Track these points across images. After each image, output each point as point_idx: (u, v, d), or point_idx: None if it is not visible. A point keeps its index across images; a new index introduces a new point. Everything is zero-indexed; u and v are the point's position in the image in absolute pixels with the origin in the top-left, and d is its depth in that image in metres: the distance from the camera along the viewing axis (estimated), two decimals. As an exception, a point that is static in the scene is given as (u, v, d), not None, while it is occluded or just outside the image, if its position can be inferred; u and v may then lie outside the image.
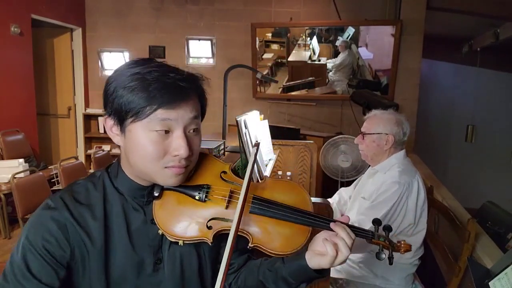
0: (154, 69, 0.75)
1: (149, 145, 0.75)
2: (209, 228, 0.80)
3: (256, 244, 0.81)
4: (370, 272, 1.76)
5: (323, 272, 0.82)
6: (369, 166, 1.93)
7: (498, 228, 2.29)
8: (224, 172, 0.87)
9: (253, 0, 4.81)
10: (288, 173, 2.26)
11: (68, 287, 0.79)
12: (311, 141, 2.30)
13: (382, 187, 1.69)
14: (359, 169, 2.87)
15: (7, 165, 3.44)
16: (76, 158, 3.63)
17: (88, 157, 5.02)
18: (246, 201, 0.79)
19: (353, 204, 1.94)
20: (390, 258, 0.82)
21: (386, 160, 1.80)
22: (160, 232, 0.81)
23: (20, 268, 0.74)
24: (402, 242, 0.84)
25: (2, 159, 3.69)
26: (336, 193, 2.15)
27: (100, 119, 5.07)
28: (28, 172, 3.38)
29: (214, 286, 0.91)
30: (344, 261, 0.78)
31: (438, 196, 2.46)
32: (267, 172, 1.86)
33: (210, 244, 0.81)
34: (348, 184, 2.30)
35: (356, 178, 2.12)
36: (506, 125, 5.85)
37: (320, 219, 0.82)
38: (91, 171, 4.33)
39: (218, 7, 4.88)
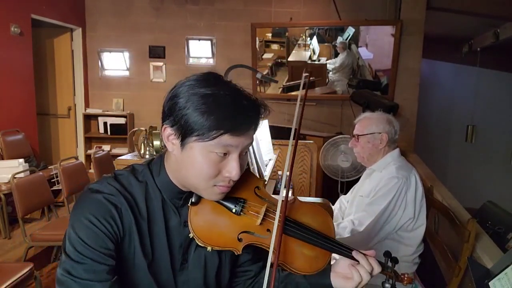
0: (227, 94, 0.76)
1: (206, 165, 0.78)
2: (240, 240, 0.85)
3: (281, 262, 0.85)
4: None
5: None
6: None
7: (498, 228, 2.30)
8: (258, 188, 0.92)
9: (253, 0, 4.81)
10: (288, 173, 2.25)
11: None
12: (311, 141, 2.29)
13: (380, 183, 1.72)
14: (359, 169, 2.86)
15: (7, 165, 3.44)
16: (76, 158, 3.63)
17: (88, 157, 5.00)
18: (280, 222, 0.84)
19: (351, 205, 1.95)
20: (393, 287, 0.88)
21: (382, 159, 1.84)
22: (191, 235, 0.84)
23: (83, 245, 0.75)
24: (406, 275, 0.91)
25: (2, 159, 3.69)
26: (337, 201, 2.17)
27: (100, 119, 5.08)
28: (28, 172, 3.37)
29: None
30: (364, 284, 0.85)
31: (438, 196, 2.46)
32: (267, 172, 1.86)
33: (237, 254, 0.85)
34: (347, 184, 2.31)
35: (356, 178, 2.13)
36: (506, 125, 5.84)
37: (343, 248, 0.88)
38: (91, 171, 4.33)
39: (218, 7, 4.88)
